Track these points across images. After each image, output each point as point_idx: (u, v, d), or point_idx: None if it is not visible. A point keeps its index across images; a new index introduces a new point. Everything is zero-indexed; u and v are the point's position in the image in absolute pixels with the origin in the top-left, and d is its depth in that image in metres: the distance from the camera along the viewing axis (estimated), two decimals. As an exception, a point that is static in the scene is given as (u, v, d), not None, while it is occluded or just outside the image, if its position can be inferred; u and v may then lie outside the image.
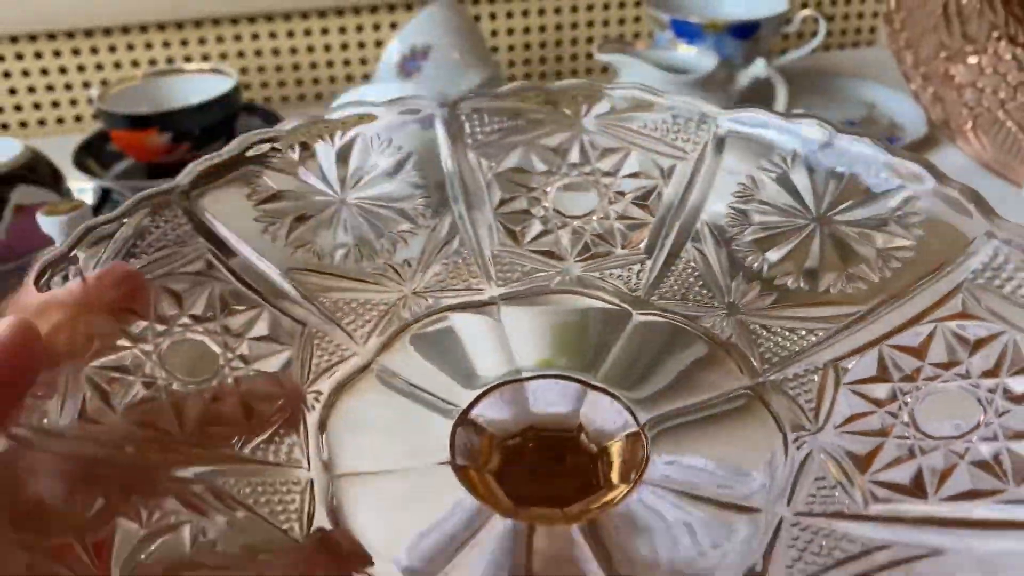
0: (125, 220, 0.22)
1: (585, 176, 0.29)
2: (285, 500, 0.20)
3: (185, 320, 0.22)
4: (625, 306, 0.28)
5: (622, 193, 0.29)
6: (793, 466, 0.21)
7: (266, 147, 0.26)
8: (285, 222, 0.26)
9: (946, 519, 0.19)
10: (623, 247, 0.29)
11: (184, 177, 0.24)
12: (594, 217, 0.30)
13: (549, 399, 0.24)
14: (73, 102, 0.84)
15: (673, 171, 0.29)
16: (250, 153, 0.25)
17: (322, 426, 0.22)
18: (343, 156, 0.27)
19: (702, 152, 0.28)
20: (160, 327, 0.22)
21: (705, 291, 0.28)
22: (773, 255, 0.27)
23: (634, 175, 0.29)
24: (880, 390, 0.22)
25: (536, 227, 0.30)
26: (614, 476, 0.22)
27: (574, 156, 0.29)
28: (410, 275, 0.28)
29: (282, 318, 0.24)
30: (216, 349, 0.23)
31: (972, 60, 0.65)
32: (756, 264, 0.27)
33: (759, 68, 0.65)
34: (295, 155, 0.26)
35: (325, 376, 0.24)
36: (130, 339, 0.21)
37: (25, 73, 0.82)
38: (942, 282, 0.23)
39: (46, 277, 0.20)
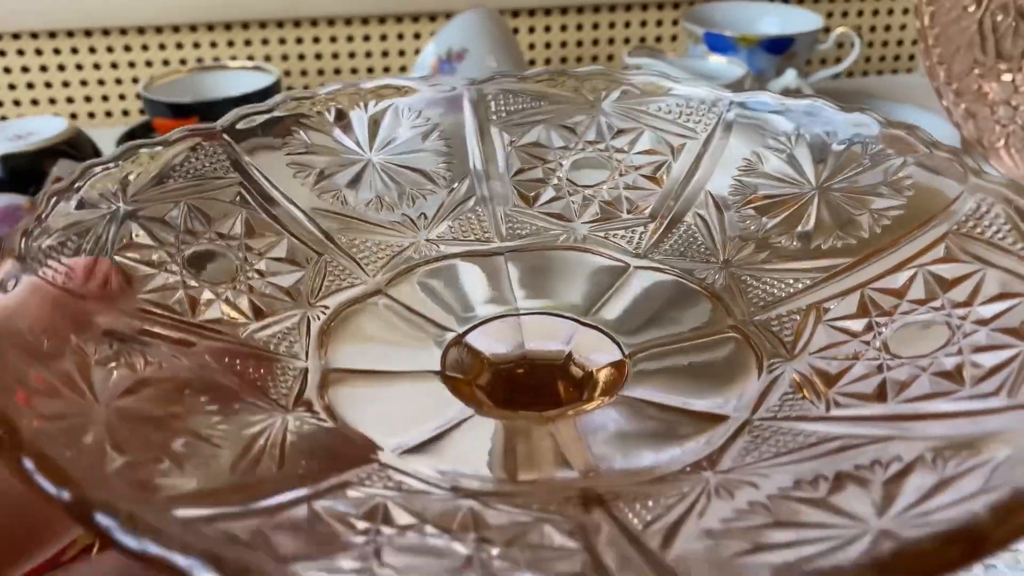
0: (168, 146, 0.24)
1: (599, 152, 0.31)
2: (278, 381, 0.21)
3: (211, 235, 0.24)
4: (625, 260, 0.28)
5: (633, 167, 0.31)
6: (764, 384, 0.22)
7: (306, 104, 0.28)
8: (314, 171, 0.28)
9: (900, 415, 0.19)
10: (629, 212, 0.30)
11: (226, 120, 0.26)
12: (604, 187, 0.31)
13: (543, 333, 0.25)
14: (122, 96, 0.87)
15: (683, 149, 0.30)
16: (289, 109, 0.28)
17: (323, 333, 0.23)
18: (375, 121, 0.29)
19: (712, 132, 0.30)
20: (187, 237, 0.23)
21: (703, 250, 0.29)
22: (770, 220, 0.28)
23: (646, 152, 0.31)
24: (857, 325, 0.22)
25: (549, 193, 0.31)
26: (595, 394, 0.22)
27: (591, 135, 0.31)
28: (424, 225, 0.29)
29: (300, 246, 0.26)
30: (235, 261, 0.24)
31: (1006, 77, 0.64)
32: (753, 227, 0.29)
33: (789, 78, 0.65)
34: (331, 116, 0.29)
35: (333, 295, 0.25)
36: (156, 241, 0.23)
37: (79, 67, 0.85)
38: (928, 233, 0.24)
39: (85, 179, 0.22)
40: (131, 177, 0.23)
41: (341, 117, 0.29)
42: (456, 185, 0.30)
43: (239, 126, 0.27)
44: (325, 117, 0.29)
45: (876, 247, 0.25)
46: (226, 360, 0.21)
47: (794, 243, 0.27)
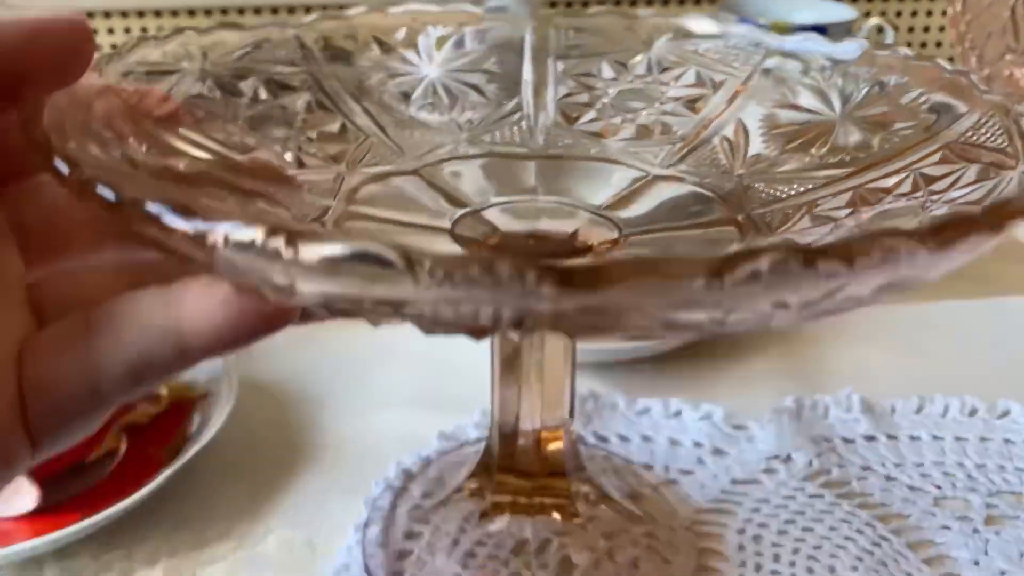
0: (249, 30, 0.28)
1: (645, 83, 0.33)
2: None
3: (274, 104, 0.28)
4: (647, 169, 0.31)
5: (674, 98, 0.33)
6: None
7: (379, 18, 0.32)
8: (376, 76, 0.32)
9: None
10: (662, 134, 0.33)
11: (306, 27, 0.30)
12: (643, 112, 0.33)
13: (554, 217, 0.28)
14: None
15: (722, 84, 0.32)
16: (365, 22, 0.32)
17: (352, 190, 0.26)
18: (440, 41, 0.33)
19: (752, 72, 0.32)
20: (252, 102, 0.27)
21: (723, 165, 0.31)
22: (790, 143, 0.31)
23: (688, 85, 0.33)
24: (841, 213, 0.25)
25: (590, 115, 0.33)
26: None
27: (640, 69, 0.34)
28: (467, 128, 0.32)
29: (351, 127, 0.29)
30: (292, 128, 0.27)
31: (1036, 63, 0.66)
32: (773, 148, 0.31)
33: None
34: (401, 34, 0.33)
35: (371, 167, 0.28)
36: (226, 94, 0.26)
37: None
38: (930, 146, 0.26)
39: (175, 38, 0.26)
40: (213, 46, 0.27)
41: (411, 34, 0.33)
42: (504, 102, 0.33)
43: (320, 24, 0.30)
44: (394, 35, 0.32)
45: (882, 156, 0.27)
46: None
47: (807, 159, 0.29)
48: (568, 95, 0.34)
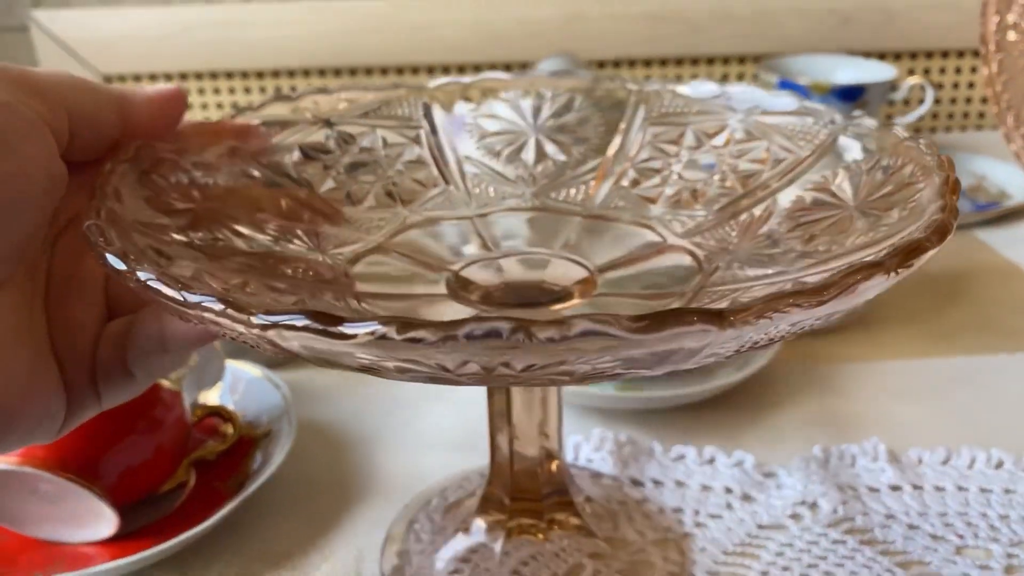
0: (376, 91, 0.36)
1: (717, 152, 0.36)
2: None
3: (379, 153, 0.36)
4: (664, 236, 0.34)
5: (734, 170, 0.35)
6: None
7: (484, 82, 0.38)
8: (485, 134, 0.38)
9: None
10: (702, 203, 0.35)
11: (433, 87, 0.38)
12: (699, 183, 0.36)
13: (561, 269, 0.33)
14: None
15: (781, 163, 0.34)
16: (485, 86, 0.38)
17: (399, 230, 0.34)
18: (546, 102, 0.39)
19: (814, 151, 0.34)
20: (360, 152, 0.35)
21: (731, 240, 0.33)
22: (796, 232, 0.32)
23: (755, 161, 0.35)
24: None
25: (654, 180, 0.37)
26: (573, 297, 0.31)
27: (719, 140, 0.36)
28: (539, 183, 0.38)
29: (436, 175, 0.37)
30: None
31: (1073, 122, 0.67)
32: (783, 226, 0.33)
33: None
34: (510, 94, 0.38)
35: (433, 211, 0.36)
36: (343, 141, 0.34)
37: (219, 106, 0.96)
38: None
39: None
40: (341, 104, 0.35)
41: (521, 95, 0.39)
42: (588, 161, 0.38)
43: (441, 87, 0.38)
44: (510, 96, 0.38)
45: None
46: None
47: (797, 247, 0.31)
48: (648, 159, 0.37)
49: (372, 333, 0.18)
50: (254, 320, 0.19)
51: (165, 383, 0.41)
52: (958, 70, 0.97)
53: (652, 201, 0.36)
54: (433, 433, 0.47)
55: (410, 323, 0.18)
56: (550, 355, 0.18)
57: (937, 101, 0.97)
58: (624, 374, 0.20)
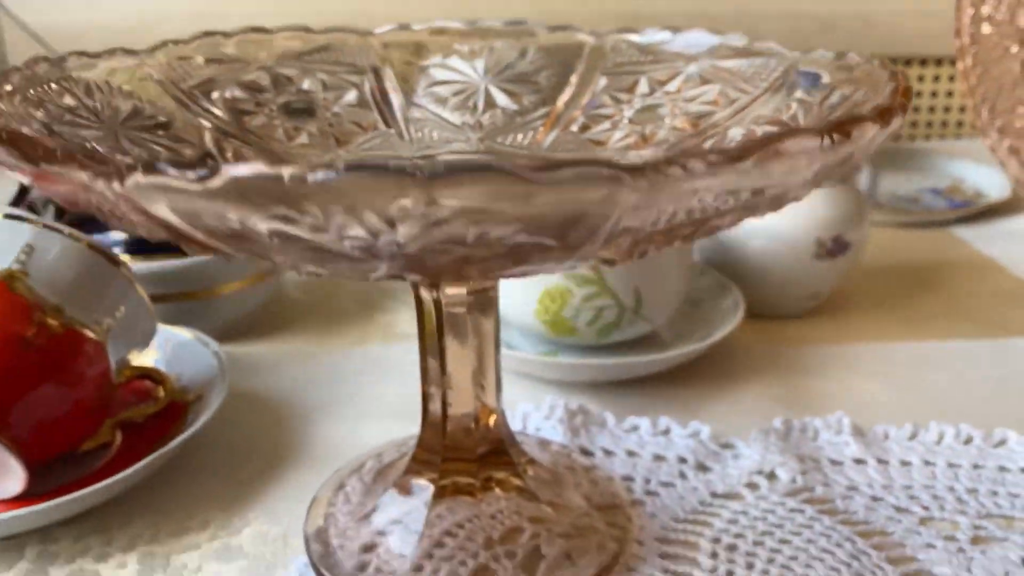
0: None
1: (671, 98, 0.35)
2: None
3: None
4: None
5: (685, 112, 0.34)
6: None
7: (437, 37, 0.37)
8: (433, 82, 0.36)
9: None
10: (652, 143, 0.34)
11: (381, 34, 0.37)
12: (648, 126, 0.35)
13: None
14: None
15: (734, 102, 0.33)
16: (431, 31, 0.37)
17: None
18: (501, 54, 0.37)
19: (768, 88, 0.33)
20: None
21: None
22: None
23: (707, 103, 0.34)
24: None
25: (604, 125, 0.35)
26: None
27: (672, 86, 0.35)
28: (485, 130, 0.36)
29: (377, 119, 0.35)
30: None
31: (1049, 116, 0.66)
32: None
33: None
34: (466, 49, 0.37)
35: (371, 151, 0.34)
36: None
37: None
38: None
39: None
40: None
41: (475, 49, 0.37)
42: (538, 109, 0.36)
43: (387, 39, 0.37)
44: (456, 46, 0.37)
45: None
46: None
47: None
48: (599, 107, 0.35)
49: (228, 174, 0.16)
50: (118, 162, 0.17)
51: (89, 333, 0.38)
52: (936, 78, 0.96)
53: (601, 144, 0.34)
54: (375, 405, 0.45)
55: (277, 159, 0.16)
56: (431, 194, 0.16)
57: (915, 109, 0.97)
58: (526, 243, 0.18)
